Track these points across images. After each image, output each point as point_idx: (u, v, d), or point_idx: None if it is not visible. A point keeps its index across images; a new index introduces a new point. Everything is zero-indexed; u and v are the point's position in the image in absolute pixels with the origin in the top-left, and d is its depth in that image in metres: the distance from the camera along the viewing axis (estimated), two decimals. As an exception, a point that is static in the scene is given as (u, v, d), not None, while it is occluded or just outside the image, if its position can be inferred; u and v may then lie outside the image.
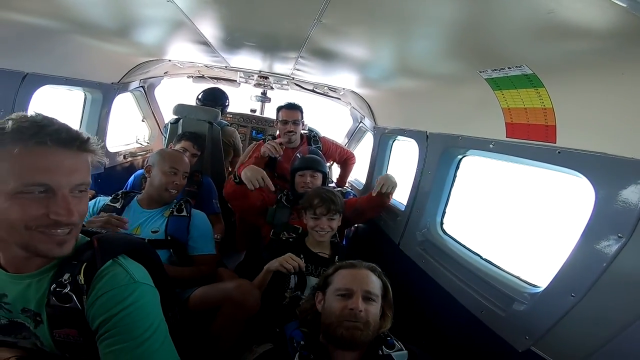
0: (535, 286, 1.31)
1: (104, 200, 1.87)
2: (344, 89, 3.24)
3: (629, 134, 0.97)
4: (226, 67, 3.14)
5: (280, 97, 4.20)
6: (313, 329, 1.25)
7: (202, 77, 3.96)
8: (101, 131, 2.82)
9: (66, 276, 0.86)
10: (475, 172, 2.05)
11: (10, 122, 0.77)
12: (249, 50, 2.30)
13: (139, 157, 3.58)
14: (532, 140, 1.28)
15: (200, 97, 3.43)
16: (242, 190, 2.08)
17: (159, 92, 3.83)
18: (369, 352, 1.18)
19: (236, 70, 3.32)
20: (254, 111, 4.45)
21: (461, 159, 1.91)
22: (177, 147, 2.54)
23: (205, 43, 2.09)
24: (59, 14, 1.60)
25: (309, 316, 1.30)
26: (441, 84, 1.79)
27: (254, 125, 4.33)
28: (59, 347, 0.90)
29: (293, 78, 3.32)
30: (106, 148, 2.98)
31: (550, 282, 1.18)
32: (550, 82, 1.11)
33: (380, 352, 1.16)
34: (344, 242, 2.66)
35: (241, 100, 4.28)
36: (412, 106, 2.37)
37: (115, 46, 2.27)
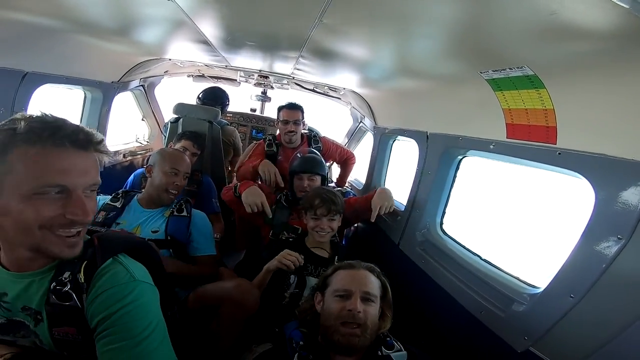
0: (534, 287, 1.31)
1: (104, 199, 1.87)
2: (344, 88, 3.24)
3: (630, 135, 0.97)
4: (226, 66, 3.14)
5: (280, 96, 4.21)
6: (312, 329, 1.25)
7: (203, 76, 3.96)
8: (101, 130, 2.81)
9: (66, 274, 0.86)
10: (476, 173, 2.05)
11: (21, 123, 0.77)
12: (249, 49, 2.30)
13: (139, 156, 3.58)
14: (532, 141, 1.28)
15: (200, 96, 3.42)
16: (239, 202, 2.14)
17: (159, 91, 3.83)
18: (368, 352, 1.18)
19: (236, 69, 3.31)
20: (254, 110, 4.45)
21: (461, 159, 1.91)
22: (177, 146, 2.54)
23: (205, 42, 2.09)
24: (59, 13, 1.60)
25: (309, 317, 1.30)
26: (442, 84, 1.79)
27: (254, 124, 4.33)
28: (58, 346, 0.90)
29: (293, 77, 3.32)
30: (106, 147, 2.97)
31: (550, 283, 1.18)
32: (551, 83, 1.11)
33: (379, 353, 1.16)
34: (343, 242, 2.66)
35: (241, 99, 4.28)
36: (413, 106, 2.37)
37: (115, 45, 2.26)
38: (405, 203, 2.27)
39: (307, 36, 1.56)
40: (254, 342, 1.43)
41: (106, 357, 0.81)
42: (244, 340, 1.49)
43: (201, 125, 2.81)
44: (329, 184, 3.21)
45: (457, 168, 1.94)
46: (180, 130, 2.81)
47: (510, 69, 1.16)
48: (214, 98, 3.37)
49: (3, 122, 0.79)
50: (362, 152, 3.77)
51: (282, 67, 2.87)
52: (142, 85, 3.43)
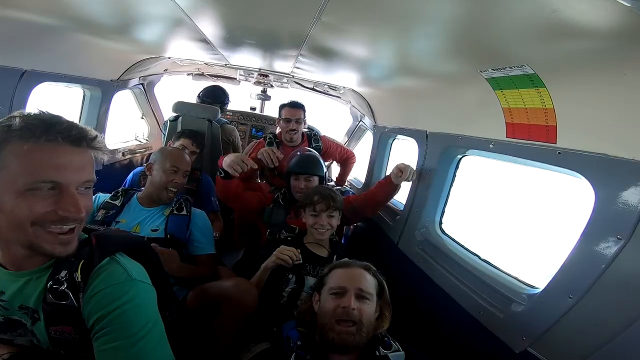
0: (533, 287, 1.31)
1: (103, 197, 1.86)
2: (344, 87, 3.23)
3: (630, 135, 0.96)
4: (226, 64, 3.13)
5: (280, 95, 4.20)
6: (310, 329, 1.25)
7: (202, 74, 3.95)
8: (100, 128, 2.81)
9: (63, 273, 0.86)
10: (475, 172, 2.04)
11: (17, 120, 0.77)
12: (249, 48, 2.29)
13: (138, 155, 3.58)
14: (532, 140, 1.27)
15: (200, 94, 3.42)
16: (231, 185, 2.08)
17: (158, 90, 3.82)
18: (365, 352, 1.17)
19: (236, 68, 3.31)
20: (254, 109, 4.43)
21: (461, 158, 1.91)
22: (176, 144, 2.53)
23: (204, 41, 2.08)
24: (57, 11, 1.59)
25: (307, 317, 1.30)
26: (441, 83, 1.78)
27: (254, 123, 4.32)
28: (55, 344, 0.90)
29: (293, 76, 3.31)
30: (105, 145, 2.97)
31: (548, 284, 1.18)
32: (551, 82, 1.10)
33: (377, 353, 1.15)
34: (342, 242, 2.66)
35: (241, 98, 4.27)
36: (412, 105, 2.36)
37: (114, 43, 2.25)
38: (404, 202, 2.27)
39: (306, 34, 1.55)
40: (252, 341, 1.43)
41: (103, 356, 0.81)
42: (242, 340, 1.49)
43: (200, 124, 2.80)
44: (328, 183, 3.21)
45: (457, 167, 1.93)
46: (179, 128, 2.80)
47: (510, 67, 1.16)
48: (214, 96, 3.37)
49: (0, 120, 0.79)
50: (362, 151, 3.77)
51: (282, 65, 2.86)
52: (141, 84, 3.42)
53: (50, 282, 0.85)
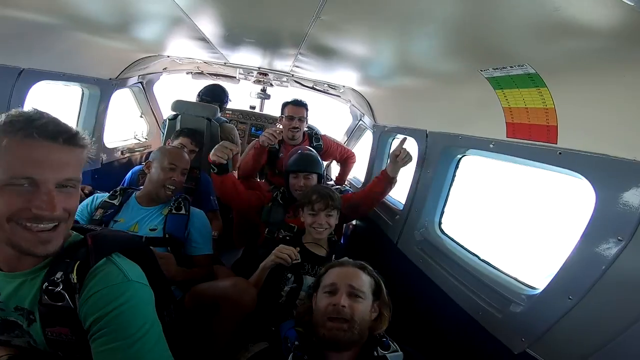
0: (532, 288, 1.31)
1: (101, 196, 1.86)
2: (343, 86, 3.22)
3: (631, 135, 0.95)
4: (225, 63, 3.12)
5: (279, 94, 4.19)
6: (308, 329, 1.24)
7: (202, 73, 3.94)
8: (99, 127, 2.80)
9: (59, 274, 0.85)
10: (475, 172, 2.04)
11: (3, 117, 0.77)
12: (248, 46, 2.28)
13: (137, 153, 3.57)
14: (533, 140, 1.26)
15: (200, 93, 3.41)
16: (227, 182, 2.08)
17: (157, 88, 3.81)
18: (363, 352, 1.17)
19: (236, 66, 3.30)
20: (254, 108, 4.42)
21: (460, 158, 1.90)
22: (175, 143, 2.52)
23: (203, 39, 2.07)
24: (56, 10, 1.58)
25: (306, 317, 1.29)
26: (442, 83, 1.78)
27: (253, 122, 4.31)
28: (52, 346, 0.89)
29: (293, 75, 3.30)
30: (104, 144, 2.97)
31: (548, 284, 1.17)
32: (552, 82, 1.09)
33: (375, 353, 1.15)
34: (341, 241, 2.65)
35: (241, 96, 4.26)
36: (412, 104, 2.36)
37: (113, 42, 2.25)
38: (403, 202, 2.26)
39: (306, 33, 1.54)
40: (250, 341, 1.42)
41: (101, 357, 0.81)
42: (240, 339, 1.49)
43: (199, 123, 2.79)
44: (328, 182, 3.21)
45: (457, 167, 1.93)
46: (178, 127, 2.79)
47: (511, 67, 1.15)
48: (213, 95, 3.35)
49: None
50: (362, 150, 3.76)
51: (282, 64, 2.85)
52: (140, 82, 3.41)
53: (46, 284, 0.85)
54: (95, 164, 2.84)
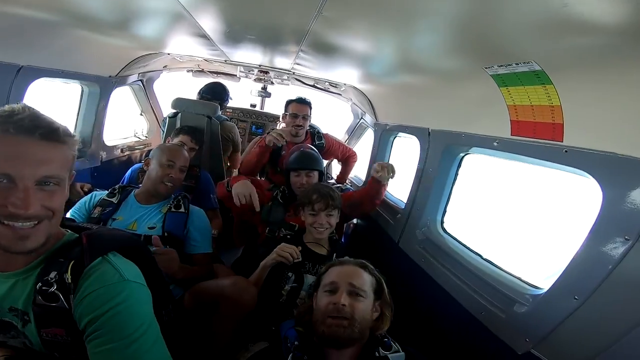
0: (537, 288, 1.29)
1: (100, 194, 1.84)
2: (345, 84, 3.20)
3: (639, 133, 0.93)
4: (226, 61, 3.10)
5: (280, 92, 4.17)
6: (309, 328, 1.23)
7: (202, 71, 3.92)
8: (98, 125, 2.79)
9: (53, 274, 0.83)
10: (478, 170, 2.02)
11: None
12: (249, 43, 2.26)
13: (137, 151, 3.56)
14: (538, 138, 1.24)
15: (201, 91, 3.39)
16: (232, 197, 2.13)
17: (157, 86, 3.79)
18: (365, 353, 1.15)
19: (236, 64, 3.28)
20: (254, 106, 4.41)
21: (463, 156, 1.88)
22: (175, 140, 2.51)
23: (204, 36, 2.05)
24: (56, 6, 1.57)
25: (307, 317, 1.28)
26: (445, 80, 1.76)
27: (254, 120, 4.29)
28: (47, 347, 0.88)
29: (293, 73, 3.29)
30: (103, 141, 2.95)
31: (553, 284, 1.16)
32: (558, 79, 1.07)
33: (376, 354, 1.13)
34: (342, 240, 2.64)
35: (241, 95, 4.24)
36: (415, 102, 2.34)
37: (113, 39, 2.23)
38: (405, 201, 2.25)
39: (307, 29, 1.52)
40: (250, 340, 1.41)
41: (97, 358, 0.79)
42: (240, 339, 1.47)
43: (200, 120, 2.78)
44: (329, 181, 3.19)
45: (459, 165, 1.91)
46: (178, 125, 2.78)
47: (516, 64, 1.13)
48: (213, 93, 3.34)
49: None
50: (362, 149, 3.75)
51: (282, 61, 2.84)
52: (140, 80, 3.39)
53: (40, 284, 0.83)
54: (94, 162, 2.83)
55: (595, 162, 1.05)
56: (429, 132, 2.07)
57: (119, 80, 2.89)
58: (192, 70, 3.93)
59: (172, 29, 2.05)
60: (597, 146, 1.04)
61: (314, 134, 2.93)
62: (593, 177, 1.05)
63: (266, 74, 3.48)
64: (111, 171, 2.99)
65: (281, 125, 4.11)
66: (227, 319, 1.51)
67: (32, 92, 1.98)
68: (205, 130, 2.78)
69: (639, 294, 0.92)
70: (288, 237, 1.99)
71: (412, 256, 2.01)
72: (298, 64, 2.71)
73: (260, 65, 3.24)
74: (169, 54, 2.91)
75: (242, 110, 4.28)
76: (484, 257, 1.60)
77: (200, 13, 1.59)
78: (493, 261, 1.56)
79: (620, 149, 0.98)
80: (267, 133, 2.85)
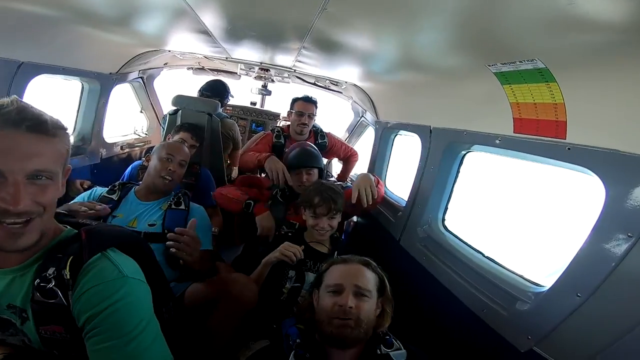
0: (539, 285, 1.29)
1: (100, 191, 1.84)
2: (346, 82, 3.20)
3: (643, 131, 0.94)
4: (227, 58, 3.10)
5: (281, 90, 4.17)
6: (310, 326, 1.22)
7: (202, 68, 3.91)
8: (98, 122, 2.78)
9: (51, 270, 0.82)
10: (479, 168, 2.02)
11: None
12: (250, 40, 2.25)
13: (137, 148, 3.55)
14: (540, 136, 1.24)
15: (201, 88, 3.39)
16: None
17: (157, 83, 3.78)
18: (367, 350, 1.15)
19: (237, 61, 3.27)
20: (254, 104, 4.40)
21: (465, 154, 1.88)
22: (175, 138, 2.50)
23: (206, 33, 2.04)
24: (57, 2, 1.56)
25: (307, 314, 1.28)
26: (447, 78, 1.75)
27: (254, 118, 4.28)
28: (46, 344, 0.87)
29: (295, 70, 3.28)
30: (103, 139, 2.95)
31: (556, 282, 1.16)
32: (562, 77, 1.07)
33: (378, 351, 1.13)
34: (343, 237, 2.64)
35: (242, 92, 4.24)
36: (416, 100, 2.33)
37: (114, 36, 2.22)
38: (406, 198, 2.24)
39: (311, 26, 1.51)
40: (251, 338, 1.41)
41: (96, 356, 0.79)
42: (241, 336, 1.47)
43: (200, 118, 2.77)
44: (330, 178, 3.19)
45: (461, 163, 1.91)
46: (179, 122, 2.77)
47: (520, 62, 1.13)
48: (212, 90, 3.33)
49: None
50: (363, 147, 3.74)
51: (284, 59, 2.83)
52: (140, 77, 3.38)
53: (38, 280, 0.82)
54: (94, 159, 2.82)
55: (598, 160, 1.04)
56: (430, 130, 2.06)
57: (120, 77, 2.88)
58: (192, 68, 3.93)
59: (174, 25, 2.04)
60: (600, 144, 1.04)
61: (317, 133, 2.95)
62: (596, 174, 1.05)
63: (267, 71, 3.47)
64: (111, 168, 2.98)
65: (281, 123, 4.13)
66: (228, 317, 1.50)
67: (32, 89, 1.98)
68: (206, 127, 2.77)
69: (642, 291, 0.92)
70: (289, 234, 1.99)
71: (413, 254, 2.01)
72: (299, 61, 2.70)
73: (261, 63, 3.23)
74: (170, 51, 2.90)
75: (242, 108, 4.27)
76: (486, 254, 1.60)
77: (204, 10, 1.58)
78: (495, 259, 1.55)
79: (623, 146, 0.98)
80: (273, 130, 2.87)
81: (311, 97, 2.85)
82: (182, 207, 1.83)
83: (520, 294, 1.29)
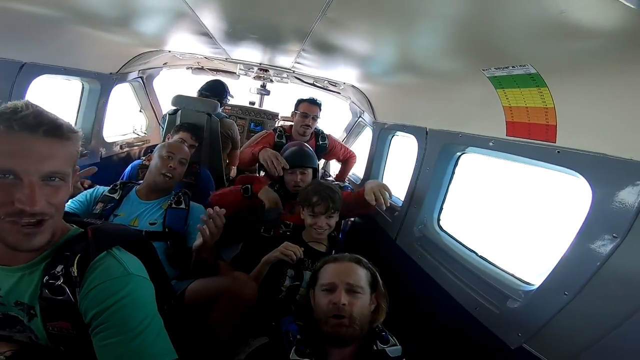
0: (529, 284, 1.33)
1: (102, 190, 1.86)
2: (344, 83, 3.22)
3: (628, 135, 0.97)
4: (226, 59, 3.11)
5: (279, 90, 4.19)
6: (309, 322, 1.26)
7: (202, 68, 3.92)
8: (98, 121, 2.80)
9: (59, 268, 0.85)
10: (474, 169, 2.05)
11: None
12: (250, 42, 2.27)
13: (136, 148, 3.56)
14: (532, 139, 1.28)
15: (200, 88, 3.40)
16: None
17: (157, 83, 3.80)
18: (363, 346, 1.19)
19: (236, 62, 3.29)
20: (253, 104, 4.42)
21: (460, 156, 1.92)
22: (175, 137, 2.52)
23: (206, 34, 2.06)
24: (58, 3, 1.57)
25: (306, 312, 1.31)
26: (443, 81, 1.78)
27: (253, 117, 4.30)
28: (53, 341, 0.89)
29: (293, 71, 3.30)
30: (103, 138, 2.96)
31: (544, 280, 1.19)
32: (553, 82, 1.11)
33: (374, 347, 1.17)
34: (340, 236, 2.67)
35: (240, 92, 4.25)
36: (413, 102, 2.36)
37: (114, 36, 2.23)
38: (402, 198, 2.28)
39: (310, 30, 1.54)
40: (250, 335, 1.44)
41: (103, 352, 0.81)
42: (241, 334, 1.50)
43: (199, 118, 2.79)
44: (328, 178, 3.22)
45: (456, 164, 1.94)
46: (178, 122, 2.79)
47: (513, 67, 1.16)
48: (211, 90, 3.35)
49: None
50: (360, 147, 3.78)
51: (283, 60, 2.85)
52: (140, 77, 3.39)
53: (47, 277, 0.84)
54: (94, 159, 2.83)
55: (586, 163, 1.08)
56: (426, 132, 2.10)
57: (120, 77, 2.90)
58: (191, 68, 3.94)
59: (174, 26, 2.06)
60: (588, 147, 1.08)
61: (318, 135, 2.99)
62: (583, 177, 1.09)
63: (266, 72, 3.49)
64: (110, 167, 2.99)
65: (279, 122, 4.15)
66: (228, 314, 1.53)
67: (34, 89, 2.00)
68: (205, 127, 2.79)
69: (626, 289, 0.95)
70: (287, 233, 2.01)
71: (409, 253, 2.04)
72: (298, 62, 2.73)
73: (260, 64, 3.25)
74: (169, 51, 2.91)
75: (240, 108, 4.29)
76: (479, 254, 1.64)
77: (205, 11, 1.60)
78: (487, 258, 1.59)
79: (610, 150, 1.01)
80: (275, 129, 2.89)
81: (316, 100, 2.88)
82: (183, 206, 1.85)
83: (511, 292, 1.33)
